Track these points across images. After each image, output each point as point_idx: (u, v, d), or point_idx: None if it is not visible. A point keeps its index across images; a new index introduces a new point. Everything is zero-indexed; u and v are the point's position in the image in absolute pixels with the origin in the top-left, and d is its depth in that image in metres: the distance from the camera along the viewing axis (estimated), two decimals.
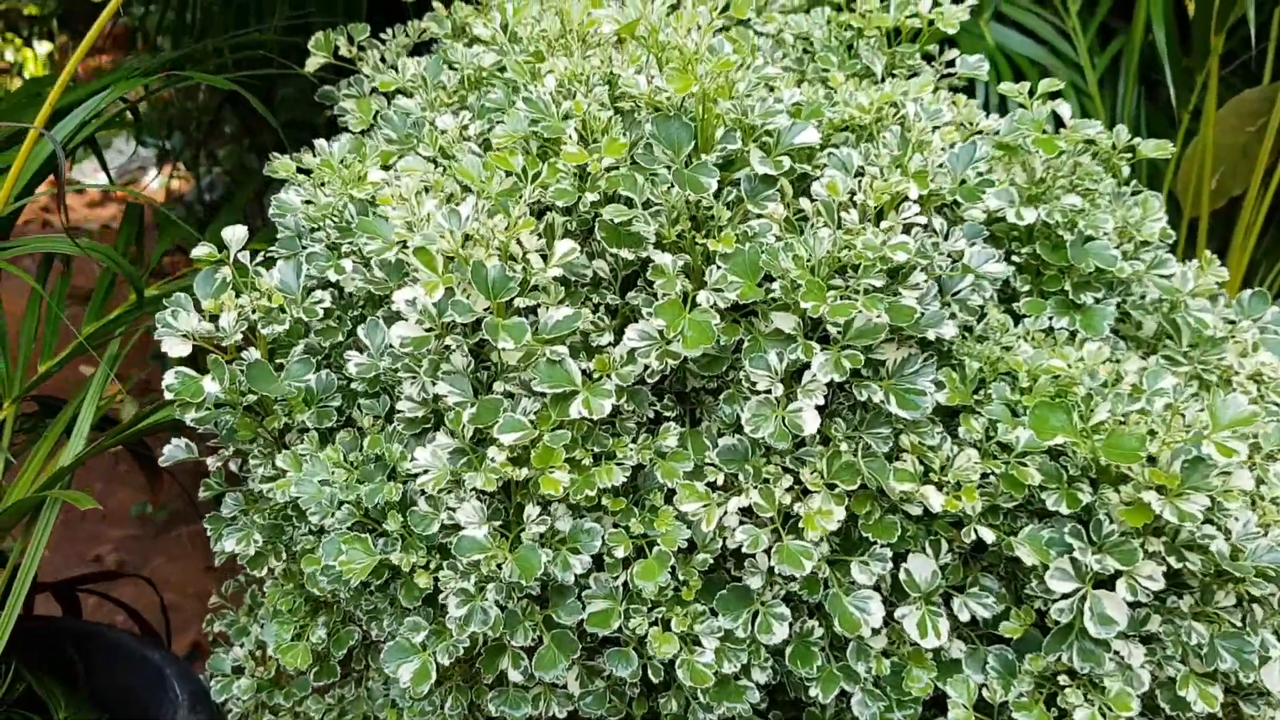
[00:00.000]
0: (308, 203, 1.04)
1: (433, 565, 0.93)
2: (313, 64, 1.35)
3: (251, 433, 1.05)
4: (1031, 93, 1.10)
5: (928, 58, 1.19)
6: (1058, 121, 1.12)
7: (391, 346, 0.95)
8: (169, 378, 0.97)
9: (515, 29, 1.04)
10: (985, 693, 0.95)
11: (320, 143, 1.12)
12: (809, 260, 0.86)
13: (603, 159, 0.89)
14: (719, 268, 0.87)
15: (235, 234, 1.05)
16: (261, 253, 1.06)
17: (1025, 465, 0.91)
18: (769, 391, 0.88)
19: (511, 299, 0.88)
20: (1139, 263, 1.06)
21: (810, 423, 0.86)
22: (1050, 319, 1.03)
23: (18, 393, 1.25)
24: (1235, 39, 1.76)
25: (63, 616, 1.52)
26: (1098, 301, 1.03)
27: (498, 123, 1.03)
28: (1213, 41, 1.60)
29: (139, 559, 2.60)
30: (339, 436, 1.02)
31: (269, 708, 1.26)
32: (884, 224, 0.87)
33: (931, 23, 1.14)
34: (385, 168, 1.14)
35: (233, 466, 1.11)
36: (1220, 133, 1.68)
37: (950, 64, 1.17)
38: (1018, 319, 1.04)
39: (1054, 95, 1.10)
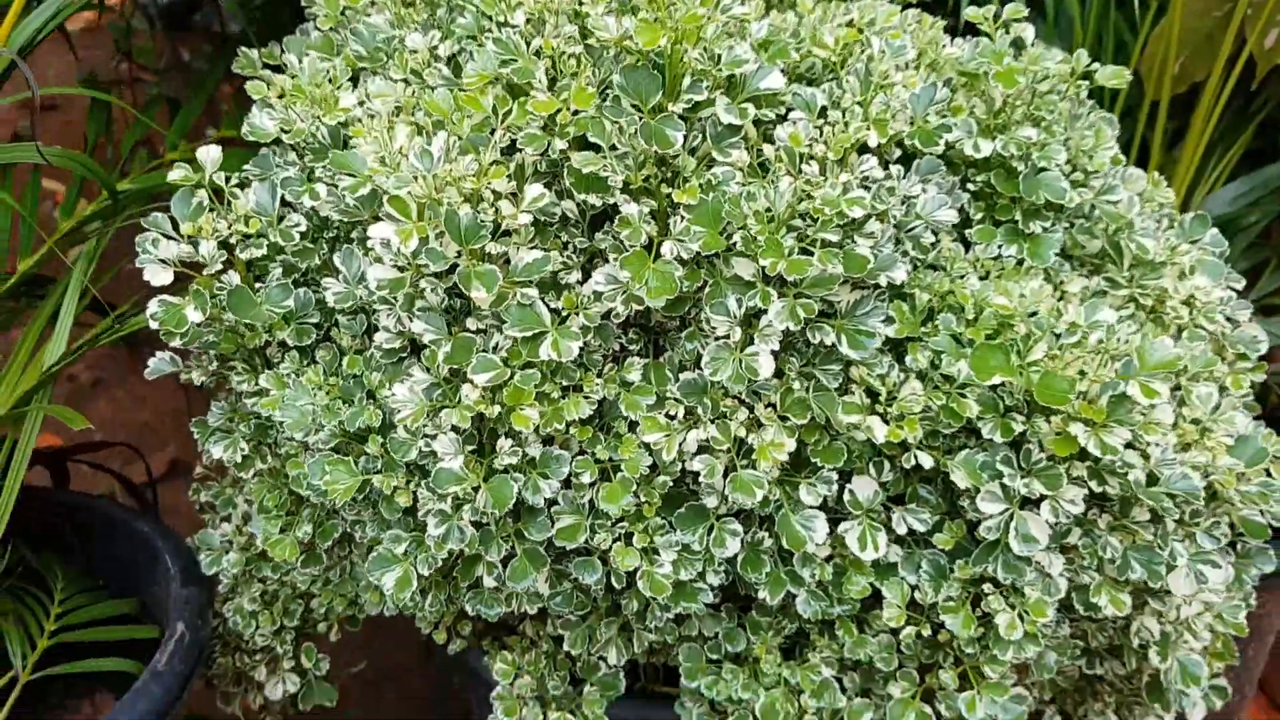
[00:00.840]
0: (283, 130, 1.05)
1: (412, 485, 0.99)
2: None
3: (234, 346, 1.10)
4: (996, 17, 1.11)
5: None
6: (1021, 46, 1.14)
7: (366, 278, 0.99)
8: (152, 306, 1.01)
9: None
10: (917, 594, 1.05)
11: (290, 58, 1.12)
12: (769, 213, 0.90)
13: (571, 107, 0.91)
14: (683, 218, 0.91)
15: (210, 155, 1.06)
16: (235, 176, 1.08)
17: (965, 397, 0.98)
18: (728, 336, 0.93)
19: (483, 244, 0.91)
20: (1088, 190, 1.10)
21: (765, 367, 0.91)
22: (999, 247, 1.08)
23: None
24: None
25: (56, 489, 1.59)
26: (1045, 230, 1.08)
27: (468, 49, 1.04)
28: None
29: (116, 375, 2.63)
30: (319, 354, 1.07)
31: (258, 578, 1.36)
32: (842, 177, 0.91)
33: None
34: (354, 78, 1.15)
35: (197, 377, 1.16)
36: (1188, 15, 1.68)
37: None
38: (969, 245, 1.09)
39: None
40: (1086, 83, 1.12)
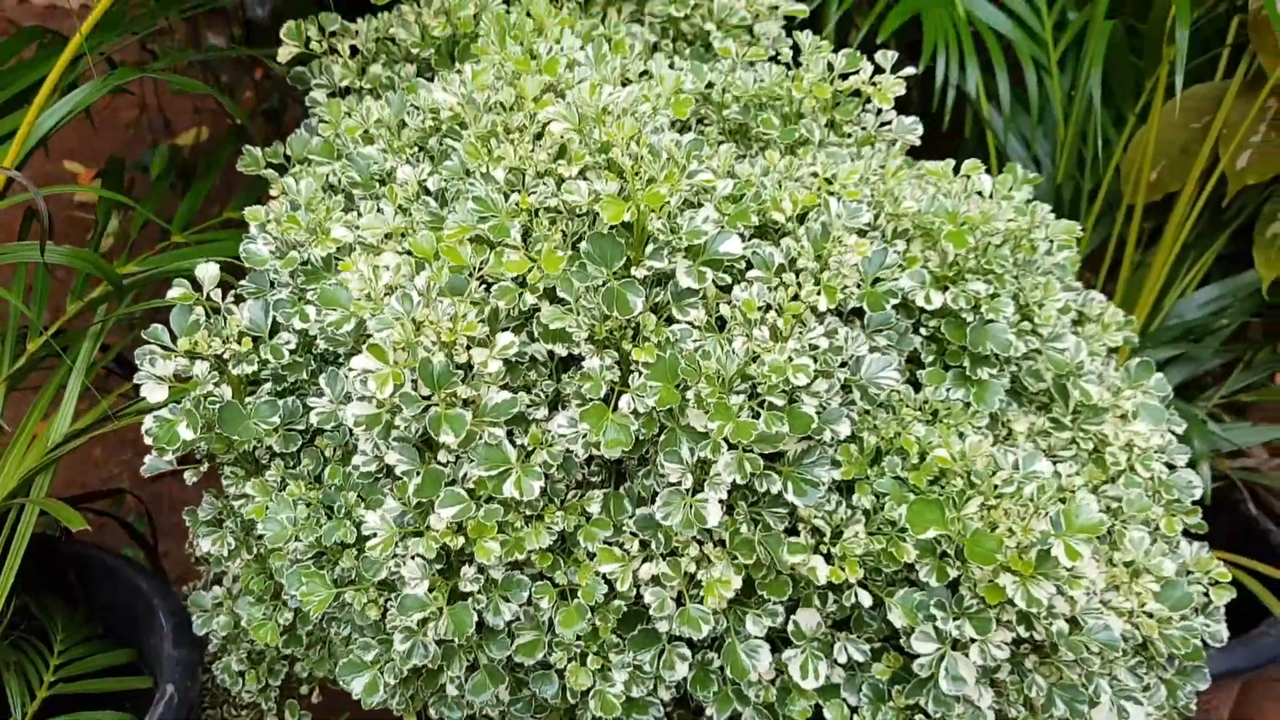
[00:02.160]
0: (277, 257, 1.12)
1: (382, 599, 1.06)
2: (284, 54, 1.40)
3: (225, 447, 1.17)
4: (956, 170, 1.17)
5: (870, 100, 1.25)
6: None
7: (349, 396, 1.06)
8: (148, 422, 1.08)
9: (472, 94, 1.10)
10: (857, 716, 1.11)
11: (289, 181, 1.19)
12: (719, 375, 0.96)
13: (542, 268, 0.98)
14: (640, 374, 0.98)
15: (209, 272, 1.13)
16: (232, 292, 1.15)
17: (904, 541, 1.04)
18: (679, 483, 1.00)
19: (454, 389, 0.98)
20: (1035, 339, 1.16)
21: (713, 515, 0.98)
22: (948, 390, 1.14)
23: (6, 372, 1.35)
24: (1189, 43, 1.79)
25: (62, 539, 1.66)
26: (992, 376, 1.14)
27: (453, 186, 1.11)
28: (1164, 50, 1.64)
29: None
30: (304, 460, 1.14)
31: (245, 640, 1.43)
32: (791, 344, 0.97)
33: (865, 92, 1.20)
34: (347, 201, 1.21)
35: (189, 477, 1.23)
36: (1165, 127, 1.74)
37: (886, 123, 1.24)
38: (919, 386, 1.15)
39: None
40: (1043, 232, 1.18)
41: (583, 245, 0.98)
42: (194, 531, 1.23)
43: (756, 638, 1.06)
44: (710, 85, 1.25)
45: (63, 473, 2.36)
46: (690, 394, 0.97)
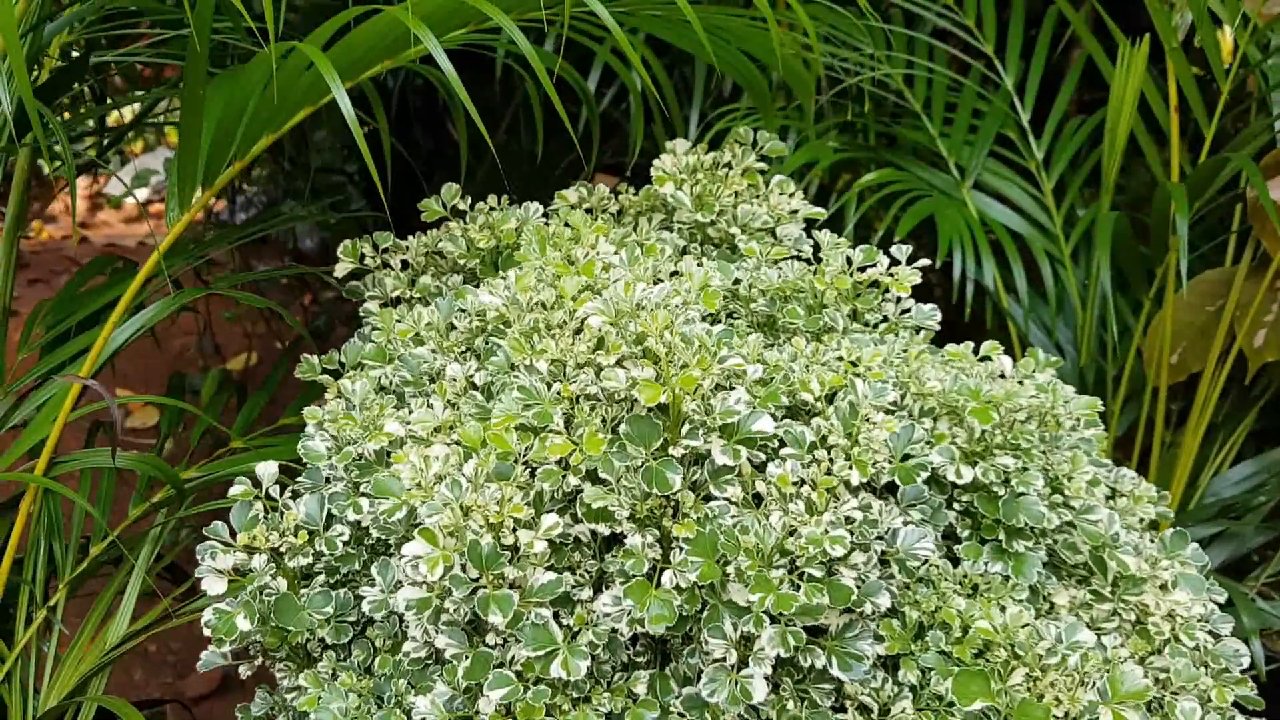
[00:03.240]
0: (333, 452, 1.18)
1: None
2: (341, 269, 1.50)
3: (278, 641, 1.20)
4: (976, 351, 1.23)
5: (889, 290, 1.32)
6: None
7: (401, 584, 1.10)
8: (207, 615, 1.12)
9: (516, 295, 1.18)
10: None
11: (344, 383, 1.27)
12: (759, 549, 1.00)
13: (584, 450, 1.03)
14: (681, 549, 1.01)
15: (268, 470, 1.20)
16: (289, 489, 1.21)
17: (952, 717, 1.04)
18: (724, 658, 1.01)
19: (501, 570, 1.02)
20: (1067, 511, 1.19)
21: (759, 691, 0.99)
22: (986, 564, 1.16)
23: (69, 575, 1.40)
24: (1195, 230, 1.88)
25: None
26: (1029, 549, 1.16)
27: (500, 384, 1.18)
28: (1169, 240, 1.73)
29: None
30: (355, 651, 1.17)
31: None
32: (826, 516, 1.01)
33: (884, 283, 1.27)
34: (398, 400, 1.28)
35: (244, 671, 1.25)
36: (1181, 310, 1.80)
37: (906, 310, 1.31)
38: (957, 561, 1.17)
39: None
40: (1066, 409, 1.22)
41: (622, 428, 1.03)
42: None
43: None
44: (737, 282, 1.34)
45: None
46: (731, 568, 1.00)
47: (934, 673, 1.07)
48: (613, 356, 1.08)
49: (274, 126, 1.34)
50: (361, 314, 1.50)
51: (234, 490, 1.18)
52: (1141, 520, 1.27)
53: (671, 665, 1.10)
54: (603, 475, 1.04)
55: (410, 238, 1.53)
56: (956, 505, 1.19)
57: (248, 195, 4.25)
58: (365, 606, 1.12)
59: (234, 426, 1.55)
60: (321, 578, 1.18)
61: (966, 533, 1.18)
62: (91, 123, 2.03)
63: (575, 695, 1.05)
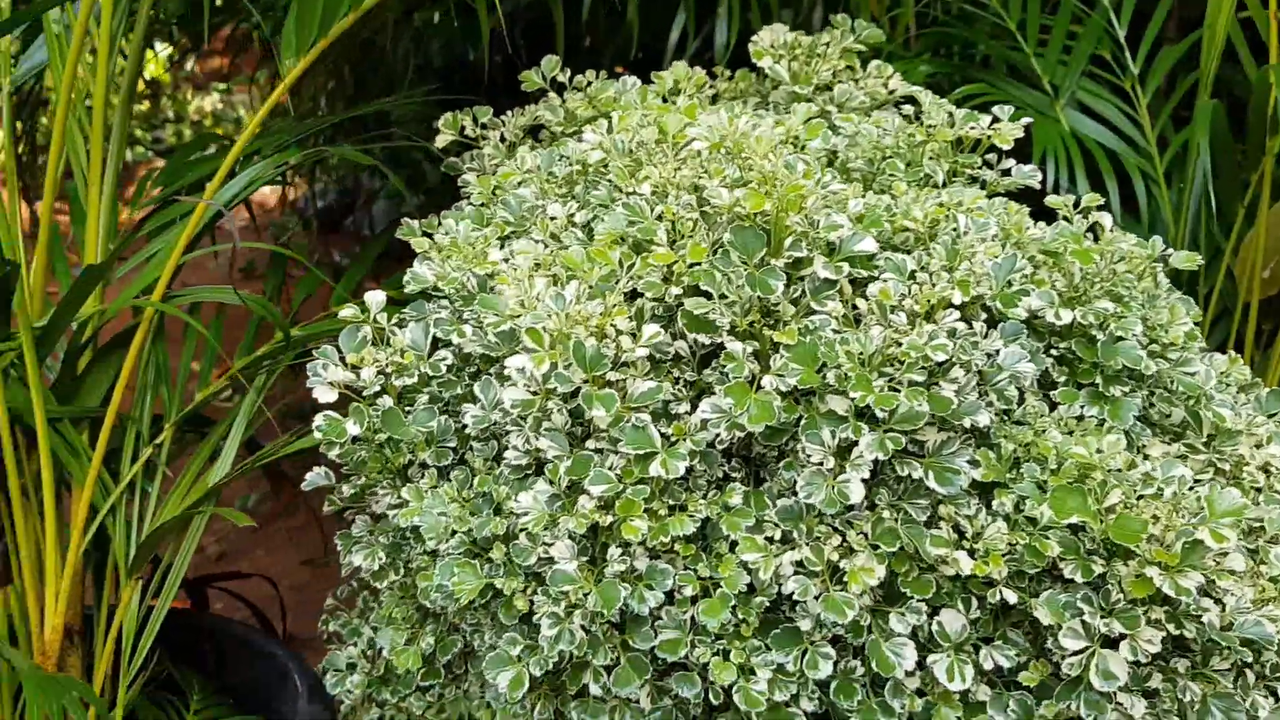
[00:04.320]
0: (439, 278, 1.22)
1: (529, 590, 1.10)
2: (441, 140, 1.54)
3: (379, 465, 1.24)
4: (1076, 205, 1.23)
5: (989, 164, 1.33)
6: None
7: (502, 403, 1.13)
8: (318, 419, 1.16)
9: (618, 135, 1.21)
10: None
11: (449, 222, 1.30)
12: (860, 354, 1.01)
13: (687, 260, 1.05)
14: (782, 356, 1.03)
15: (376, 299, 1.24)
16: (395, 315, 1.25)
17: (1047, 538, 1.05)
18: (822, 463, 1.03)
19: (604, 373, 1.04)
20: (1164, 361, 1.18)
21: (856, 493, 1.01)
22: (1082, 408, 1.16)
23: (175, 417, 1.46)
24: None
25: (196, 611, 1.72)
26: (1125, 394, 1.16)
27: (601, 217, 1.20)
28: (1267, 144, 1.71)
29: (240, 550, 2.82)
30: (454, 474, 1.20)
31: (376, 702, 1.45)
32: (928, 328, 1.02)
33: (990, 138, 1.28)
34: (501, 242, 1.32)
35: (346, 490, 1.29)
36: (1273, 224, 1.78)
37: (1007, 171, 1.31)
38: (1053, 406, 1.17)
39: (1102, 207, 1.23)
40: (1162, 265, 1.22)
41: (725, 236, 1.06)
42: (345, 551, 1.28)
43: (901, 635, 1.06)
44: (834, 154, 1.35)
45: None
46: (831, 375, 1.01)
47: (1029, 500, 1.07)
48: (715, 180, 1.11)
49: None
50: (460, 184, 1.54)
51: (345, 313, 1.22)
52: (1236, 384, 1.26)
53: (765, 485, 1.11)
54: (704, 287, 1.06)
55: (507, 113, 1.57)
56: (1054, 352, 1.19)
57: (324, 185, 4.35)
58: (468, 420, 1.15)
59: (334, 295, 1.59)
60: (424, 399, 1.22)
61: (1063, 378, 1.18)
62: None
63: (671, 503, 1.08)
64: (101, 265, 1.30)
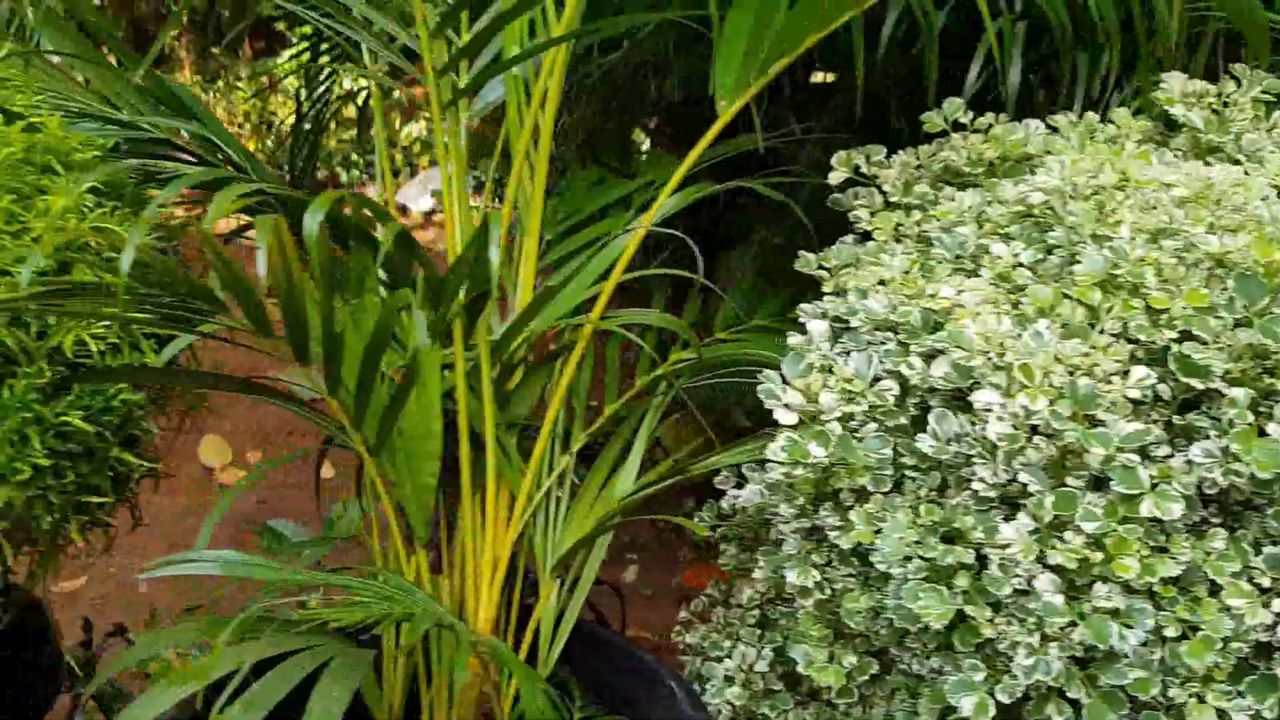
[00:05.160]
0: (890, 312, 1.27)
1: (995, 619, 1.13)
2: (835, 177, 1.60)
3: (810, 487, 1.29)
4: None
5: None
6: None
7: (961, 434, 1.17)
8: (780, 441, 1.22)
9: (1073, 179, 1.24)
10: None
11: (884, 256, 1.35)
12: None
13: (1181, 305, 1.08)
14: None
15: (818, 328, 1.30)
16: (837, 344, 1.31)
17: None
18: None
19: (1095, 411, 1.07)
20: None
21: None
22: None
23: (586, 430, 1.55)
24: None
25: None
26: None
27: (1055, 255, 1.23)
28: None
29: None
30: (895, 501, 1.25)
31: (755, 715, 1.51)
32: None
33: None
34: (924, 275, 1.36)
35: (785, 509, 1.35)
36: None
37: None
38: None
39: None
40: None
41: (1228, 283, 1.07)
42: (771, 566, 1.34)
43: None
44: None
45: None
46: None
47: None
48: (1200, 227, 1.13)
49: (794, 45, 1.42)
50: (851, 219, 1.60)
51: (792, 340, 1.28)
52: None
53: (1240, 533, 1.12)
54: (1197, 332, 1.08)
55: (899, 153, 1.62)
56: None
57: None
58: (926, 449, 1.20)
59: (715, 321, 1.67)
60: (873, 426, 1.26)
61: None
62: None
63: (1152, 544, 1.09)
64: (555, 288, 1.40)
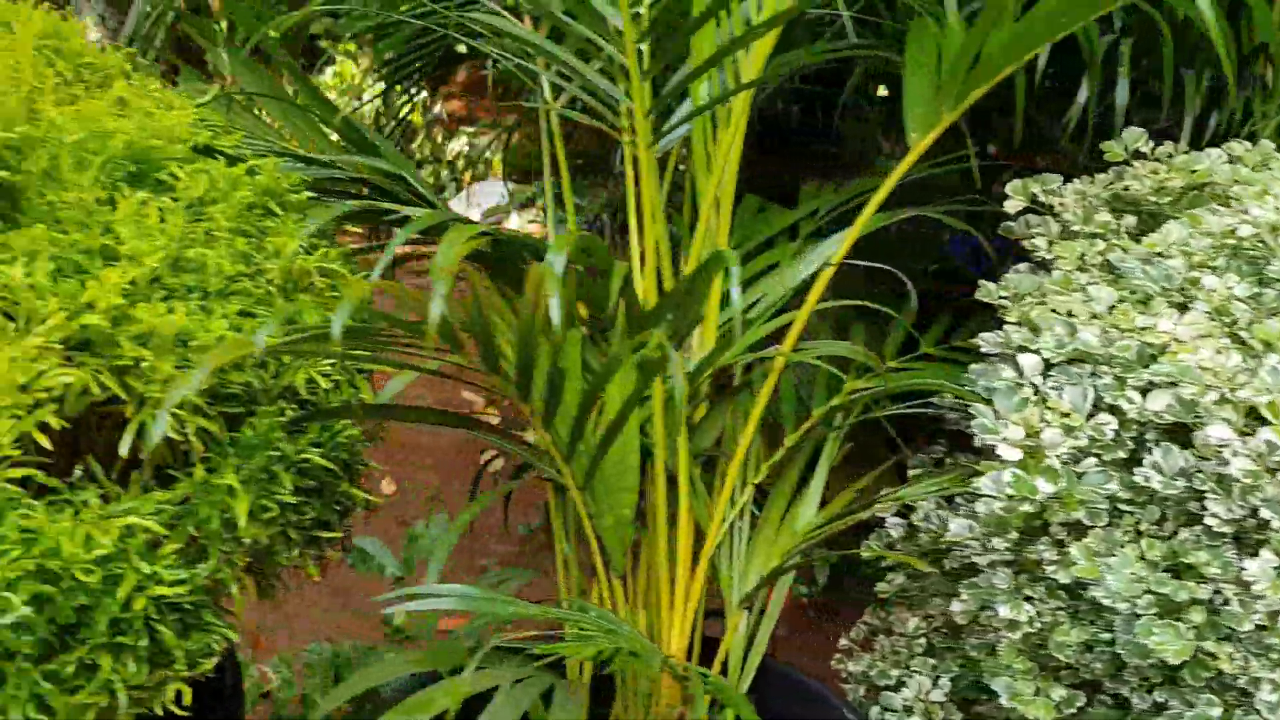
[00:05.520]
0: (1104, 345, 1.27)
1: (1233, 654, 1.13)
2: (1011, 206, 1.61)
3: (1022, 522, 1.30)
4: None
5: None
6: None
7: (1183, 469, 1.18)
8: (1006, 476, 1.23)
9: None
10: None
11: (1090, 289, 1.36)
12: None
13: None
14: None
15: (1029, 361, 1.30)
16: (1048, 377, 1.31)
17: None
18: None
19: None
20: None
21: None
22: None
23: (767, 461, 1.56)
24: None
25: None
26: None
27: (1271, 289, 1.24)
28: None
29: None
30: (1115, 535, 1.25)
31: None
32: None
33: None
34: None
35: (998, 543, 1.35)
36: None
37: None
38: None
39: None
40: None
41: None
42: (976, 600, 1.35)
43: None
44: None
45: None
46: None
47: None
48: None
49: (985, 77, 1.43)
50: (1028, 247, 1.61)
51: (1005, 373, 1.29)
52: None
53: None
54: None
55: (1074, 181, 1.62)
56: None
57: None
58: (1155, 484, 1.20)
59: (885, 349, 1.68)
60: (1093, 461, 1.27)
61: None
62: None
63: None
64: (752, 320, 1.41)
